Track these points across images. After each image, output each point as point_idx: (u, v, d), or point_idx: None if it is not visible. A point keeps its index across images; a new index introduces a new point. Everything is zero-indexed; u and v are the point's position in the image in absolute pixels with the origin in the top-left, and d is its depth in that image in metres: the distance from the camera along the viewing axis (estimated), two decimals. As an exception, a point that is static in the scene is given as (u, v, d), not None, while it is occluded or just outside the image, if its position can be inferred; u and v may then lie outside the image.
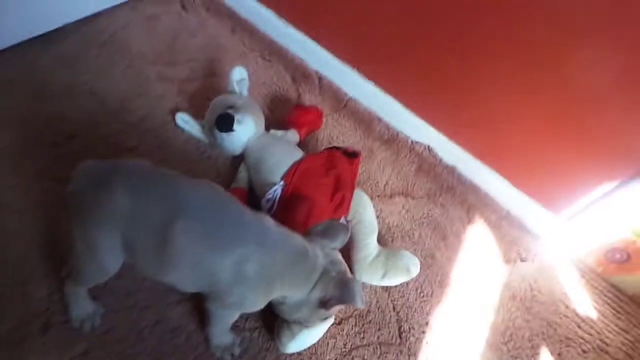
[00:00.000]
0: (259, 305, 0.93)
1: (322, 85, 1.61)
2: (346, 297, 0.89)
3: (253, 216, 0.89)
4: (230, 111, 1.23)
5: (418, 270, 1.18)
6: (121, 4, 1.57)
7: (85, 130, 1.26)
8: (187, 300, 1.09)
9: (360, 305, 0.88)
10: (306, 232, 0.97)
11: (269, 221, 0.91)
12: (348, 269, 1.01)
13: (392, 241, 1.31)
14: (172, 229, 0.81)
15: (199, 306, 1.08)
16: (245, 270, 0.84)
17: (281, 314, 1.02)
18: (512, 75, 1.21)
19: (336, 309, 0.95)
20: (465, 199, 1.46)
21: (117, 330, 1.02)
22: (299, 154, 1.25)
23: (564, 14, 1.03)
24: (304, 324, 1.01)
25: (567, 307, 1.30)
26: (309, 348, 1.08)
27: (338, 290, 0.90)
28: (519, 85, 1.21)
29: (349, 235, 1.00)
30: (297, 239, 0.91)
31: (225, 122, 1.21)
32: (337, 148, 1.28)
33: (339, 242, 0.98)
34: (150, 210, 0.82)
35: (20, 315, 0.99)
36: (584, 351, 1.23)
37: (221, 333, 1.02)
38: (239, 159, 1.31)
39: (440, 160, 1.51)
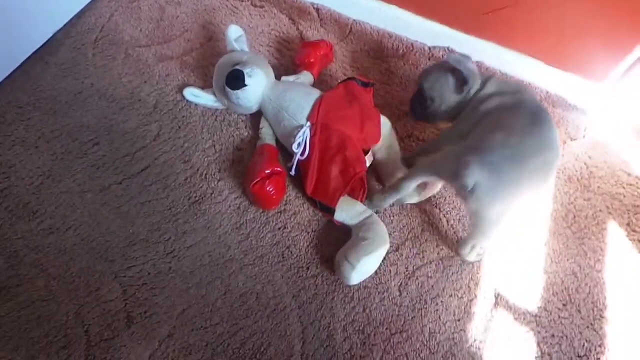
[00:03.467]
0: None
1: (322, 16, 1.53)
2: None
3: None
4: (238, 67, 1.20)
5: None
6: (100, -4, 1.53)
7: (106, 133, 1.28)
8: (246, 265, 1.13)
9: None
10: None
11: None
12: None
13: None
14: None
15: (259, 268, 1.12)
16: None
17: None
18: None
19: None
20: (497, 91, 1.38)
21: (192, 308, 1.08)
22: (316, 93, 1.22)
23: None
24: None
25: (629, 174, 1.24)
26: (373, 278, 1.11)
27: None
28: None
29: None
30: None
31: (236, 79, 1.18)
32: (351, 78, 1.23)
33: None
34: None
35: (103, 317, 1.06)
36: (655, 214, 1.18)
37: None
38: (257, 116, 1.30)
39: (463, 59, 1.42)
